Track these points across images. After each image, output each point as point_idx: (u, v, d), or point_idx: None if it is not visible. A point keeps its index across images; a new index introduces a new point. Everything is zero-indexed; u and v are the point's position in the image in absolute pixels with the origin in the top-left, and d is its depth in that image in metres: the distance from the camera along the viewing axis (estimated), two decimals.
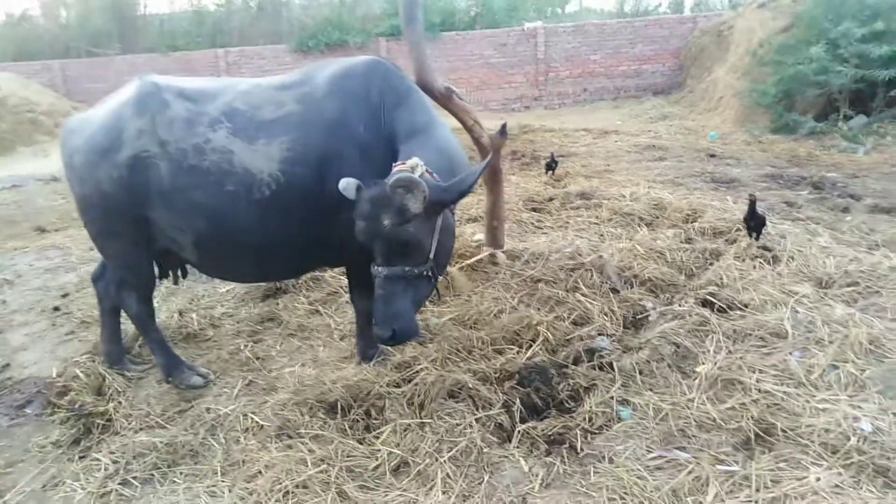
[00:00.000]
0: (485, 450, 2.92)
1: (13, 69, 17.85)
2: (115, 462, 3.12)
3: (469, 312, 4.22)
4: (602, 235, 5.44)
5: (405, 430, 3.07)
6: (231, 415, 3.46)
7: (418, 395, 3.27)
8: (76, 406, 3.65)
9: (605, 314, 3.98)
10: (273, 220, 3.31)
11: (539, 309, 4.13)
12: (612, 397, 3.23)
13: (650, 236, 5.29)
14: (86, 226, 3.61)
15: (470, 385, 3.26)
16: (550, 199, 6.73)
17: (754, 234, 4.83)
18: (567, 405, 3.27)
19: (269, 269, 3.71)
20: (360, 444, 3.05)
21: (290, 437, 3.15)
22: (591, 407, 3.17)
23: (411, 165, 3.07)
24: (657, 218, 5.82)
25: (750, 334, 3.64)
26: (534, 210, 6.45)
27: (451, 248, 3.41)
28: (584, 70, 19.10)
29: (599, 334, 3.81)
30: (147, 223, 3.39)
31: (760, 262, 4.49)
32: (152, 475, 3.04)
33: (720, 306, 3.97)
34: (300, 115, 3.35)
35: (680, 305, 4.00)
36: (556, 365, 3.53)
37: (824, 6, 10.92)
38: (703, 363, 3.42)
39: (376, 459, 2.90)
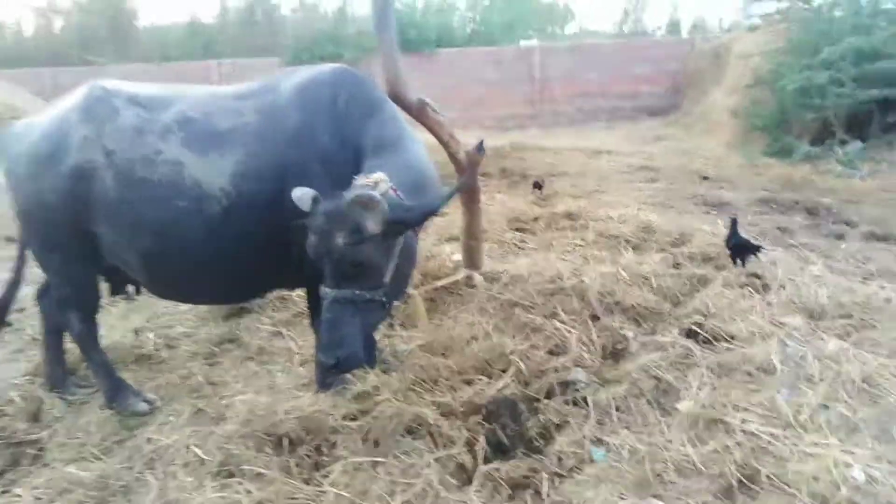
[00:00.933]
0: (442, 494, 2.64)
1: (3, 76, 17.69)
2: (37, 499, 2.84)
3: (440, 338, 3.96)
4: (586, 258, 5.20)
5: (356, 470, 2.79)
6: (173, 447, 3.17)
7: (374, 431, 2.99)
8: (7, 433, 3.38)
9: (584, 343, 3.73)
10: (225, 238, 3.06)
11: (514, 336, 3.88)
12: (584, 436, 2.97)
13: (636, 260, 5.05)
14: (27, 239, 3.36)
15: (430, 420, 2.98)
16: (536, 219, 6.51)
17: (738, 260, 4.59)
18: (536, 443, 3.00)
19: (221, 291, 3.47)
20: (307, 483, 2.77)
21: (231, 475, 2.87)
22: (561, 446, 2.91)
23: (375, 180, 2.84)
24: (644, 241, 5.59)
25: (736, 369, 3.39)
26: (518, 230, 6.22)
27: (410, 274, 3.18)
28: (580, 90, 19.03)
29: (576, 365, 3.55)
30: (92, 238, 3.14)
31: (750, 291, 4.25)
32: None
33: (705, 337, 3.72)
34: (258, 126, 3.12)
35: (663, 335, 3.76)
36: (527, 399, 3.27)
37: (816, 29, 10.83)
38: (685, 400, 3.17)
39: (320, 502, 2.62)
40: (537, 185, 7.63)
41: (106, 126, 3.01)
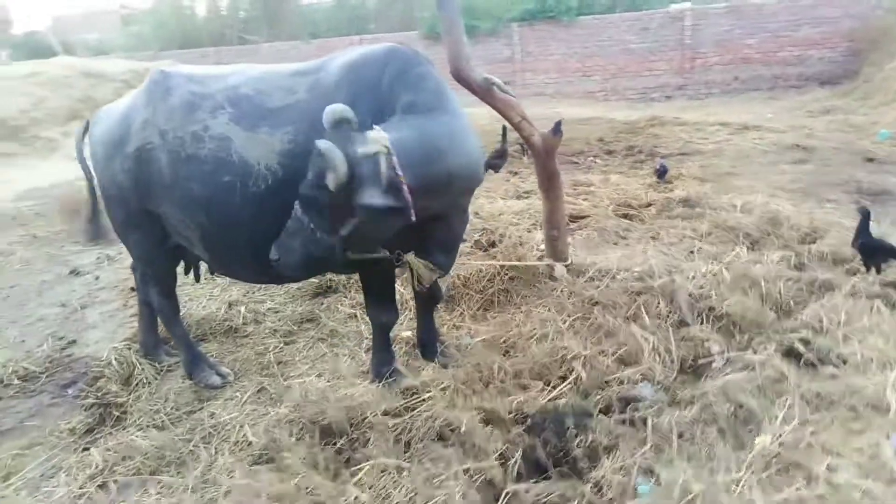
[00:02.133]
0: None
1: (177, 56, 19.57)
2: (105, 461, 3.08)
3: (508, 334, 3.77)
4: (692, 253, 4.68)
5: (383, 472, 2.72)
6: (230, 424, 3.32)
7: (407, 431, 2.90)
8: (101, 394, 3.71)
9: (660, 354, 3.35)
10: (272, 216, 2.99)
11: (586, 339, 3.57)
12: (634, 463, 2.65)
13: (749, 258, 4.46)
14: (110, 217, 3.60)
15: (462, 429, 2.81)
16: (648, 205, 5.98)
17: (871, 265, 3.87)
18: (580, 465, 2.73)
19: (269, 270, 3.48)
20: (334, 479, 2.74)
21: (271, 461, 2.93)
22: (606, 472, 2.62)
23: (373, 138, 2.65)
24: (767, 235, 4.92)
25: (838, 402, 2.86)
26: (624, 216, 5.75)
27: (375, 237, 2.94)
28: (737, 56, 17.28)
29: (644, 379, 3.20)
30: (158, 218, 3.29)
31: (881, 304, 3.57)
32: (132, 481, 2.96)
33: (809, 359, 3.18)
34: (307, 104, 3.02)
35: (756, 352, 3.26)
36: (580, 412, 2.99)
37: None
38: (765, 434, 2.72)
39: (339, 501, 2.58)
40: (660, 174, 6.96)
41: (160, 107, 3.10)
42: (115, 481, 2.95)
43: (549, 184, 4.09)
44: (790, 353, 3.26)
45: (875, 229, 4.78)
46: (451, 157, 2.93)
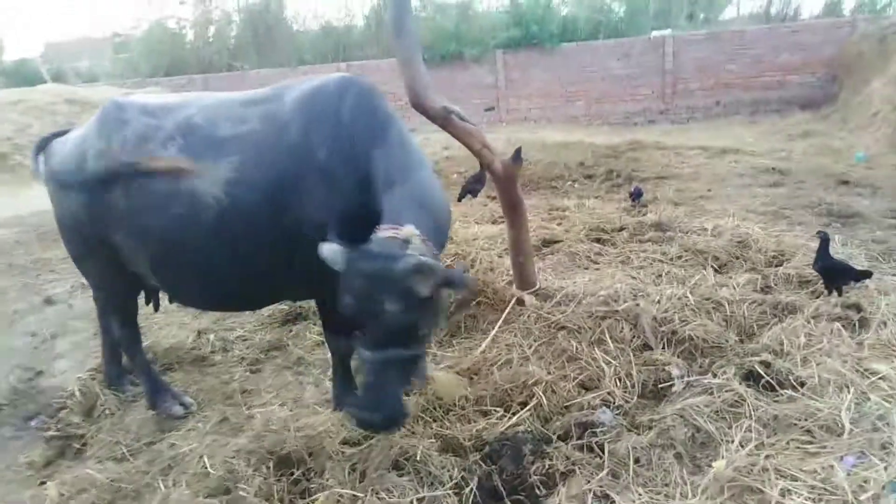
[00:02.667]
0: None
1: (165, 83, 19.68)
2: (60, 495, 3.02)
3: (471, 361, 3.75)
4: (659, 276, 4.70)
5: (337, 502, 2.69)
6: (189, 455, 3.27)
7: (364, 461, 2.87)
8: (62, 426, 3.66)
9: (620, 378, 3.35)
10: (220, 247, 3.03)
11: (549, 364, 3.57)
12: (590, 490, 2.64)
13: (716, 282, 4.49)
14: (66, 246, 3.59)
15: (418, 457, 2.80)
16: (621, 229, 6.02)
17: (833, 287, 3.91)
18: (537, 491, 2.72)
19: (223, 299, 3.47)
20: None
21: (228, 492, 2.89)
22: (561, 499, 2.60)
23: (406, 235, 2.64)
24: (736, 258, 4.97)
25: (794, 424, 2.87)
26: (596, 240, 5.78)
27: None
28: (718, 81, 17.54)
29: (604, 404, 3.19)
30: (114, 247, 3.28)
31: (841, 327, 3.60)
32: None
33: (768, 381, 3.19)
34: (258, 135, 3.03)
35: (715, 376, 3.27)
36: (539, 439, 2.98)
37: None
38: (721, 458, 2.72)
39: None
40: (634, 196, 7.03)
41: (114, 138, 3.11)
42: None
43: (512, 210, 4.11)
44: (750, 376, 3.27)
45: (842, 252, 4.86)
46: (445, 215, 3.13)
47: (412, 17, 3.58)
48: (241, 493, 2.78)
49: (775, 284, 4.42)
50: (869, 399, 2.94)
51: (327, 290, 3.16)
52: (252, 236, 3.00)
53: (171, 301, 3.77)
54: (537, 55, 18.24)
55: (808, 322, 3.68)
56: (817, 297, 4.11)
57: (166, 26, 21.62)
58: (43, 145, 3.58)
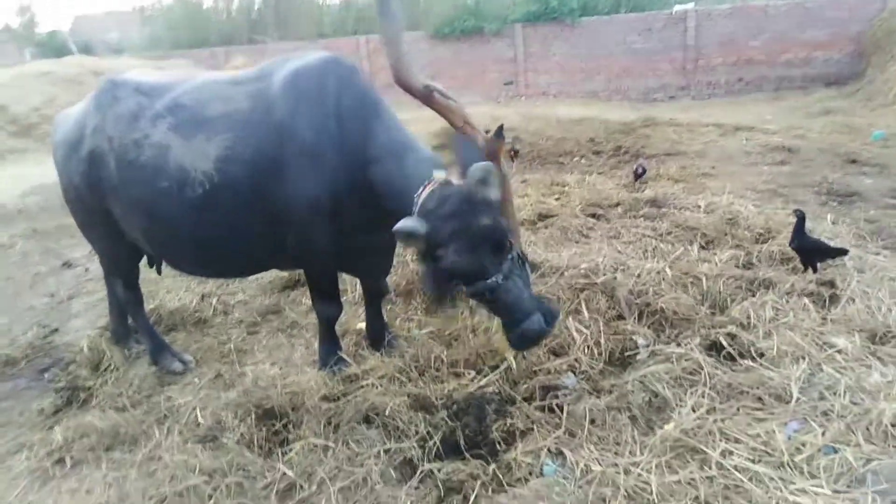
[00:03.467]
0: (377, 487, 2.69)
1: (188, 56, 19.93)
2: (64, 439, 3.29)
3: (453, 327, 3.94)
4: (645, 251, 4.82)
5: (311, 451, 2.91)
6: (184, 406, 3.52)
7: (338, 415, 3.09)
8: (71, 378, 3.94)
9: (589, 347, 3.50)
10: (207, 219, 3.21)
11: None
12: (545, 446, 2.82)
13: (699, 257, 4.60)
14: (71, 214, 3.83)
15: (387, 412, 3.00)
16: (617, 205, 6.11)
17: (809, 264, 3.99)
18: (497, 447, 2.91)
19: (212, 267, 3.68)
20: (267, 458, 2.94)
21: (215, 439, 3.13)
22: (517, 454, 2.79)
23: (440, 179, 2.87)
24: (724, 235, 5.04)
25: (747, 392, 3.01)
26: (591, 215, 5.88)
27: None
28: (741, 57, 17.23)
29: (570, 370, 3.36)
30: (113, 216, 3.50)
31: (810, 302, 3.70)
32: (87, 456, 3.17)
33: (729, 352, 3.33)
34: (247, 113, 3.18)
35: (679, 346, 3.41)
36: (504, 400, 3.17)
37: None
38: (673, 421, 2.88)
39: (266, 478, 2.78)
40: (637, 174, 7.08)
41: (108, 114, 3.31)
42: (71, 457, 3.17)
43: None
44: (713, 347, 3.40)
45: (829, 231, 4.92)
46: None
47: None
48: (224, 440, 3.01)
49: (758, 261, 4.50)
50: (822, 370, 3.06)
51: (317, 260, 3.39)
52: (240, 210, 3.17)
53: (157, 271, 3.99)
54: (557, 29, 18.07)
55: (780, 298, 3.78)
56: (796, 274, 4.19)
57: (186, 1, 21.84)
58: None
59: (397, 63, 3.56)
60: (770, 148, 8.80)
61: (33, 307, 5.47)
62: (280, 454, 2.95)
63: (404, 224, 2.68)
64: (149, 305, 4.80)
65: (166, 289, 5.22)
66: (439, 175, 2.90)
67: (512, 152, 7.90)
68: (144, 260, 4.05)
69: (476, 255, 2.69)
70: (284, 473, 2.79)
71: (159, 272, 4.16)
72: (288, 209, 3.13)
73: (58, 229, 7.90)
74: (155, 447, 3.17)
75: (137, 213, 3.32)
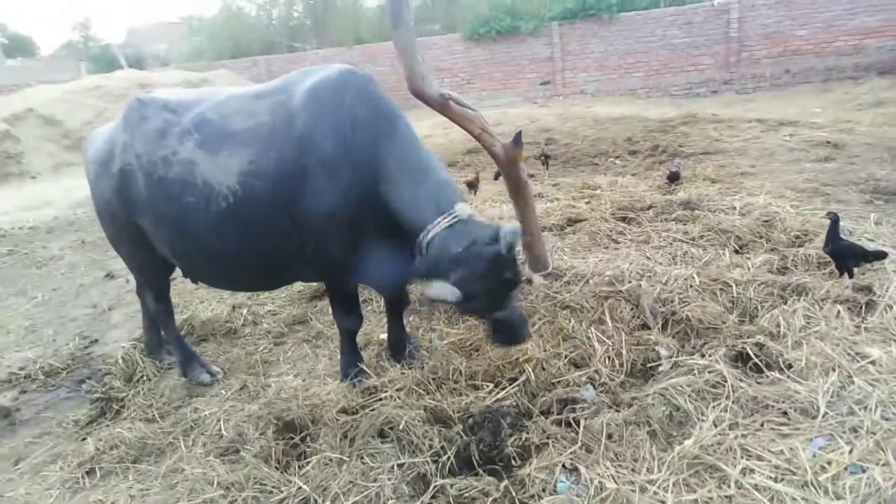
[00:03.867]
0: (388, 501, 2.69)
1: (230, 66, 20.44)
2: (96, 450, 3.41)
3: (475, 337, 3.92)
4: (675, 257, 4.69)
5: (326, 465, 2.94)
6: (209, 418, 3.60)
7: (354, 428, 3.11)
8: (105, 389, 4.08)
9: (610, 358, 3.43)
10: (232, 233, 3.27)
11: (546, 342, 3.69)
12: (559, 462, 2.77)
13: (732, 262, 4.45)
14: (103, 229, 3.96)
15: (401, 426, 3.00)
16: (649, 207, 5.97)
17: (844, 269, 3.82)
18: (512, 462, 2.88)
19: (237, 281, 3.76)
20: (285, 471, 2.98)
21: (237, 451, 3.19)
22: (530, 470, 2.75)
23: (463, 215, 3.02)
24: (759, 238, 4.88)
25: (771, 406, 2.89)
26: (622, 219, 5.76)
27: None
28: (787, 48, 16.69)
29: (590, 381, 3.30)
30: (141, 230, 3.60)
31: (845, 309, 3.54)
32: (116, 468, 3.28)
33: (755, 363, 3.21)
34: (268, 127, 3.22)
35: (703, 357, 3.31)
36: (520, 413, 3.13)
37: None
38: (693, 436, 2.80)
39: (281, 493, 2.81)
40: (672, 177, 6.90)
41: (136, 132, 3.41)
42: (101, 468, 3.28)
43: (516, 192, 4.20)
44: (739, 358, 3.29)
45: (872, 231, 4.70)
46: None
47: (409, 7, 3.69)
48: (243, 453, 3.06)
49: (793, 265, 4.34)
50: (853, 382, 2.92)
51: (336, 272, 3.42)
52: (263, 224, 3.22)
53: (192, 281, 4.09)
54: (595, 26, 17.85)
55: (813, 305, 3.63)
56: (832, 279, 4.02)
57: (232, 10, 22.38)
58: None
59: (412, 73, 3.57)
60: (814, 143, 8.47)
61: (76, 318, 5.68)
62: (297, 467, 2.98)
63: (438, 293, 2.87)
64: (182, 316, 4.95)
65: (199, 299, 5.35)
66: (462, 210, 3.01)
67: (543, 157, 7.82)
68: (179, 271, 4.16)
69: (496, 300, 3.01)
70: (300, 488, 2.82)
71: (195, 282, 4.25)
72: (307, 220, 3.17)
73: (103, 241, 8.10)
74: (178, 459, 3.24)
75: (165, 228, 3.42)
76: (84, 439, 3.61)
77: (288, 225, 3.22)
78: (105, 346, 4.95)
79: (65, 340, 5.16)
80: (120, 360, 4.34)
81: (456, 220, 2.98)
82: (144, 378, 4.19)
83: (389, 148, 3.17)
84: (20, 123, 15.14)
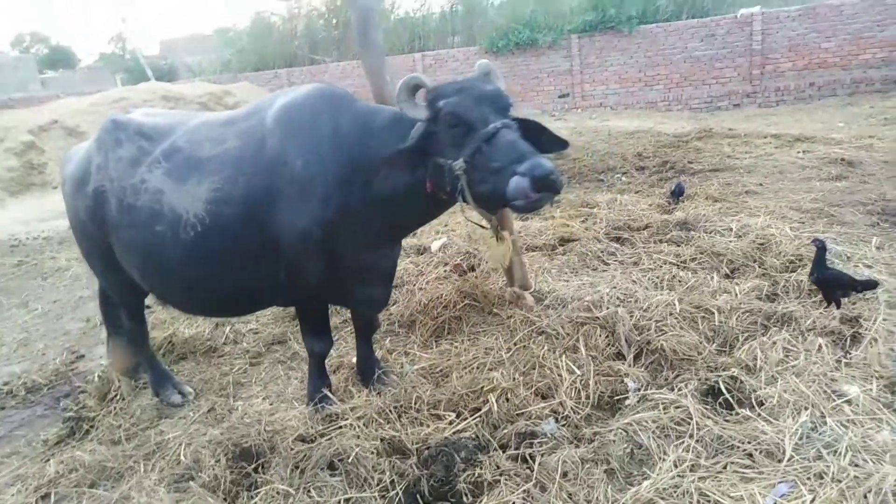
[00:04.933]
0: None
1: (252, 78, 20.72)
2: (56, 472, 3.38)
3: (446, 362, 3.83)
4: (661, 281, 4.54)
5: (272, 498, 2.86)
6: (171, 442, 3.55)
7: (305, 459, 3.03)
8: (79, 408, 4.07)
9: (577, 389, 3.31)
10: (201, 261, 3.22)
11: (515, 370, 3.58)
12: (510, 501, 2.66)
13: (718, 287, 4.29)
14: (78, 246, 3.97)
15: (350, 459, 2.92)
16: (645, 227, 5.82)
17: (831, 299, 3.64)
18: (465, 499, 2.77)
19: (208, 308, 3.73)
20: (233, 502, 2.91)
21: (190, 479, 3.13)
22: None
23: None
24: (752, 262, 4.70)
25: (737, 447, 2.74)
26: (615, 239, 5.62)
27: None
28: (812, 61, 16.33)
29: (554, 414, 3.18)
30: (113, 251, 3.59)
31: (828, 342, 3.36)
32: (72, 492, 3.24)
33: (727, 399, 3.06)
34: (238, 151, 3.18)
35: (672, 390, 3.16)
36: (477, 446, 3.02)
37: None
38: (651, 477, 2.66)
39: None
40: (675, 194, 6.73)
41: (110, 156, 3.41)
42: (57, 493, 3.25)
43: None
44: (710, 392, 3.14)
45: (873, 257, 4.50)
46: None
47: (377, 28, 3.64)
48: (191, 483, 3.01)
49: (783, 292, 4.16)
50: (825, 423, 2.76)
51: (304, 293, 3.36)
52: (232, 250, 3.17)
53: (162, 306, 4.06)
54: (614, 39, 17.68)
55: (796, 336, 3.46)
56: (821, 308, 3.84)
57: (260, 22, 22.72)
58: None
59: (380, 94, 3.51)
60: (828, 161, 8.21)
61: (69, 332, 5.73)
62: (246, 498, 2.92)
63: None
64: (164, 333, 4.94)
65: (185, 316, 5.34)
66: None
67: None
68: None
69: (478, 106, 2.78)
70: None
71: (164, 307, 4.23)
72: (279, 240, 3.11)
73: None
74: (131, 487, 3.19)
75: (134, 254, 3.40)
76: (48, 461, 3.58)
77: (258, 249, 3.17)
78: (90, 363, 4.96)
79: (54, 355, 5.18)
80: (96, 378, 4.33)
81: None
82: (118, 397, 4.17)
83: (372, 143, 3.08)
84: (45, 135, 15.48)
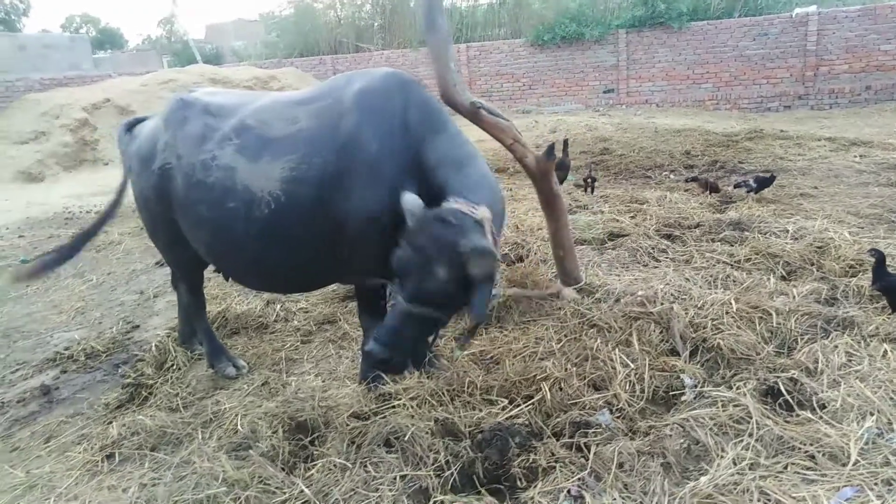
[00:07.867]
0: None
1: (297, 63, 20.94)
2: (119, 434, 3.52)
3: (497, 350, 3.85)
4: (716, 280, 4.48)
5: (330, 471, 2.93)
6: (228, 412, 3.65)
7: (362, 435, 3.09)
8: (137, 375, 4.21)
9: (632, 382, 3.30)
10: (273, 239, 3.27)
11: (567, 360, 3.59)
12: (564, 488, 2.68)
13: (774, 289, 4.22)
14: (142, 221, 4.08)
15: (407, 437, 2.96)
16: (696, 226, 5.75)
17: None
18: (518, 483, 2.80)
19: (274, 284, 3.78)
20: (291, 472, 2.99)
21: (246, 449, 3.22)
22: (534, 493, 2.67)
23: (481, 217, 2.81)
24: (810, 265, 4.61)
25: (798, 448, 2.71)
26: (666, 236, 5.56)
27: None
28: (870, 63, 15.85)
29: (608, 405, 3.18)
30: (178, 227, 3.68)
31: (890, 349, 3.29)
32: (134, 454, 3.37)
33: (786, 400, 3.02)
34: (312, 131, 3.21)
35: (731, 389, 3.13)
36: (531, 433, 3.04)
37: None
38: (711, 473, 2.65)
39: (283, 494, 2.82)
40: (710, 188, 6.64)
41: (177, 133, 3.48)
42: (120, 453, 3.38)
43: (548, 205, 4.09)
44: (769, 393, 3.10)
45: None
46: (502, 204, 3.27)
47: (443, 13, 3.64)
48: (252, 451, 3.09)
49: (843, 297, 4.08)
50: (893, 430, 2.70)
51: (366, 273, 3.41)
52: (304, 229, 3.21)
53: (224, 279, 4.16)
54: (663, 35, 17.40)
55: (858, 341, 3.40)
56: (884, 314, 3.76)
57: (303, 9, 22.91)
58: (132, 126, 4.08)
59: (444, 81, 3.52)
60: (886, 167, 7.99)
61: (123, 303, 5.91)
62: (303, 469, 2.98)
63: (409, 200, 2.83)
64: (217, 308, 5.07)
65: (237, 292, 5.47)
66: (483, 211, 2.85)
67: (588, 179, 7.48)
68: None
69: (410, 272, 2.77)
70: (302, 491, 2.81)
71: (226, 279, 4.33)
72: (347, 221, 3.15)
73: None
74: (191, 452, 3.29)
75: (203, 229, 3.46)
76: (110, 423, 3.72)
77: (327, 228, 3.20)
78: (145, 333, 5.12)
79: (110, 324, 5.36)
80: (153, 348, 4.47)
81: (471, 212, 2.81)
82: (175, 367, 4.30)
83: (437, 145, 3.13)
84: (97, 112, 15.89)
